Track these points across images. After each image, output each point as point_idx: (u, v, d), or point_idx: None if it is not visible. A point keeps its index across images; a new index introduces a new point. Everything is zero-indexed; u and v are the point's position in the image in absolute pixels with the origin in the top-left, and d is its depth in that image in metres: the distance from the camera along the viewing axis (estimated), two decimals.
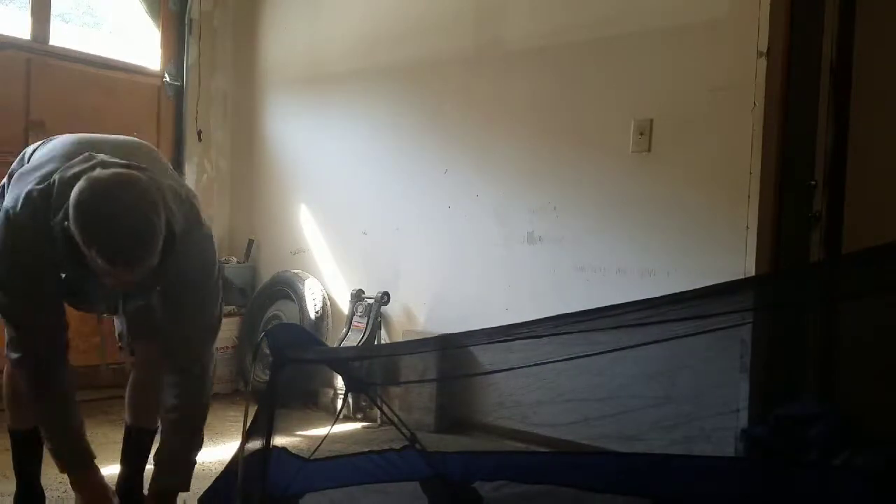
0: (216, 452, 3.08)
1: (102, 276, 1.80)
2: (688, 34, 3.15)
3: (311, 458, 2.40)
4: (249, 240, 4.76)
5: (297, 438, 2.66)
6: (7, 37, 3.93)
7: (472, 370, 2.55)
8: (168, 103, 4.62)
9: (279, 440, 2.20)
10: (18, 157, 2.19)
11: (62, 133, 2.17)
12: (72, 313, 2.13)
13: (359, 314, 4.00)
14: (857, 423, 2.65)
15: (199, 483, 2.49)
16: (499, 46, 3.74)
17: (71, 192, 1.75)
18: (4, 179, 2.14)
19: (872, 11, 2.98)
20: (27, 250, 1.89)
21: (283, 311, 4.41)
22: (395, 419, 2.45)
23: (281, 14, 4.73)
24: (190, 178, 4.68)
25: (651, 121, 3.24)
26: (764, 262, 2.95)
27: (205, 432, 2.22)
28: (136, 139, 2.23)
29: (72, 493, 2.23)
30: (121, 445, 2.50)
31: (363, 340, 3.89)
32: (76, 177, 1.80)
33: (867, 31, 2.98)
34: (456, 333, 2.54)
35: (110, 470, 2.88)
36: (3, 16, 4.07)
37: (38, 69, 4.02)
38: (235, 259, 4.75)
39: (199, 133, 4.73)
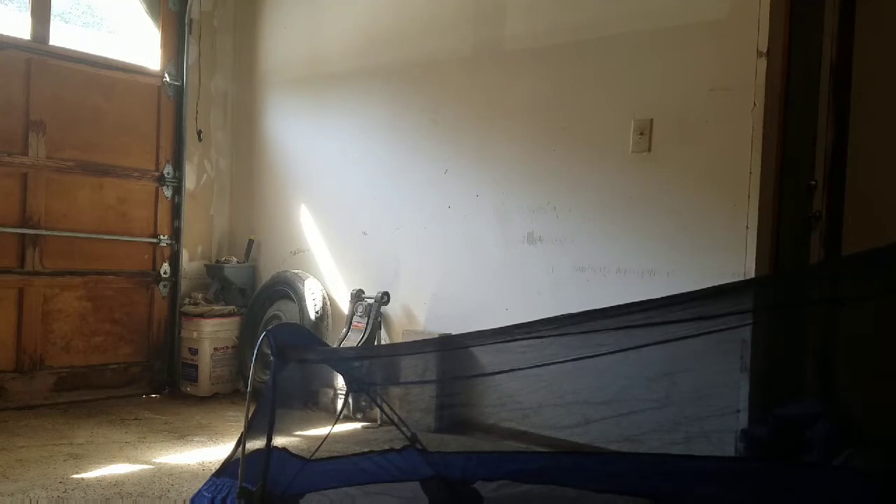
0: (216, 452, 3.07)
1: None
2: (688, 34, 3.15)
3: (312, 458, 2.40)
4: (249, 240, 4.77)
5: (297, 438, 2.66)
6: (7, 37, 3.93)
7: (473, 371, 2.55)
8: (168, 103, 4.62)
9: (279, 440, 2.20)
10: None
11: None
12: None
13: (359, 314, 4.00)
14: (857, 423, 2.65)
15: (199, 483, 2.50)
16: (498, 47, 3.74)
17: None
18: None
19: (872, 11, 2.98)
20: None
21: (283, 311, 4.41)
22: (396, 419, 2.45)
23: (281, 14, 4.73)
24: (190, 178, 4.68)
25: (651, 121, 3.24)
26: (764, 263, 2.95)
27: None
28: None
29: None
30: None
31: (363, 340, 3.89)
32: None
33: (867, 31, 2.98)
34: (457, 334, 2.54)
35: (110, 470, 2.90)
36: (3, 16, 4.07)
37: (38, 69, 4.02)
38: (235, 259, 4.75)
39: (199, 133, 4.73)
